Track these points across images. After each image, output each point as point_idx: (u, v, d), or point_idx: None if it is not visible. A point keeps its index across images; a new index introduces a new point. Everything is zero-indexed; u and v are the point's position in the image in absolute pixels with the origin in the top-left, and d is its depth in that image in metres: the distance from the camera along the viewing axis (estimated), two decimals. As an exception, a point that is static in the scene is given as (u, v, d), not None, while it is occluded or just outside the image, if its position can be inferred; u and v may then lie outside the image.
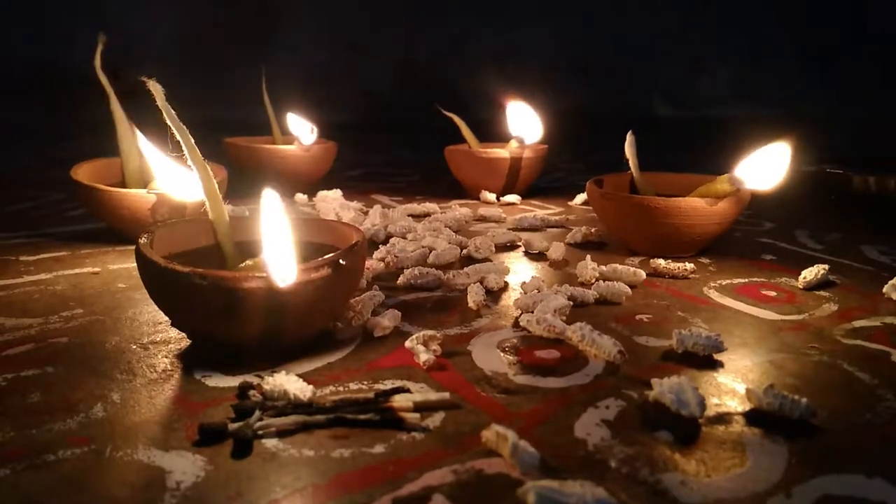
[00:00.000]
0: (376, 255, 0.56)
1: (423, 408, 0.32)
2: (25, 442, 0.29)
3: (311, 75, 1.59)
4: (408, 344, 0.38)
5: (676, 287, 0.51)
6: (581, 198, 0.84)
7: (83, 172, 0.62)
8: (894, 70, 1.67)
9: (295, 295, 0.35)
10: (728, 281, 0.53)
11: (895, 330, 0.43)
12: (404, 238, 0.63)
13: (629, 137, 0.60)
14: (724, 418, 0.32)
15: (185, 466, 0.27)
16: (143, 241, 0.38)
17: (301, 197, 0.81)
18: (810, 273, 0.51)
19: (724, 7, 1.77)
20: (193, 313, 0.36)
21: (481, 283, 0.50)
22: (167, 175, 0.53)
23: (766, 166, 0.53)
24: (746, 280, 0.53)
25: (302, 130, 0.86)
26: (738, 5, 1.76)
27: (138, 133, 0.54)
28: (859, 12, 1.69)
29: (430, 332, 0.38)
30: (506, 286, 0.51)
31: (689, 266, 0.54)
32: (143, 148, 0.53)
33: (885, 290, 0.49)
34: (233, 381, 0.34)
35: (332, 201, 0.78)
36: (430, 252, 0.56)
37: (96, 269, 0.54)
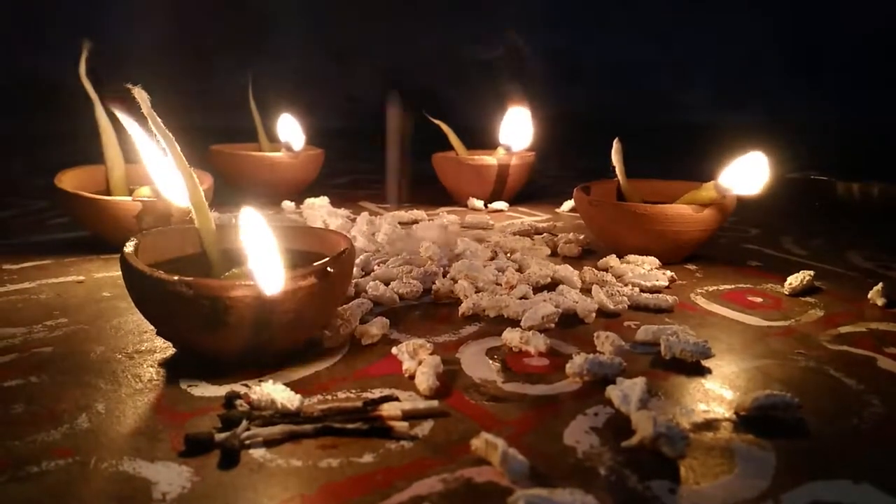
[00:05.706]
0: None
1: (412, 416, 0.32)
2: (8, 454, 0.29)
3: (298, 82, 1.58)
4: (395, 351, 0.38)
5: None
6: (568, 205, 0.85)
7: (67, 180, 0.61)
8: (876, 74, 1.69)
9: (282, 303, 0.35)
10: (715, 287, 0.53)
11: (881, 335, 0.44)
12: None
13: (616, 144, 0.60)
14: (712, 425, 0.32)
15: (170, 477, 0.27)
16: (127, 249, 0.38)
17: (288, 204, 0.80)
18: (796, 279, 0.52)
19: (710, 15, 1.79)
20: (179, 322, 0.35)
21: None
22: (161, 176, 0.51)
23: (751, 173, 0.54)
24: (733, 286, 0.53)
25: (293, 133, 0.85)
26: (724, 13, 1.78)
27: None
28: (837, 16, 1.71)
29: (419, 341, 0.38)
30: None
31: (669, 274, 0.54)
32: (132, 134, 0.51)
33: (870, 295, 0.50)
34: (219, 391, 0.34)
35: (319, 209, 0.78)
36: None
37: (80, 278, 0.53)
